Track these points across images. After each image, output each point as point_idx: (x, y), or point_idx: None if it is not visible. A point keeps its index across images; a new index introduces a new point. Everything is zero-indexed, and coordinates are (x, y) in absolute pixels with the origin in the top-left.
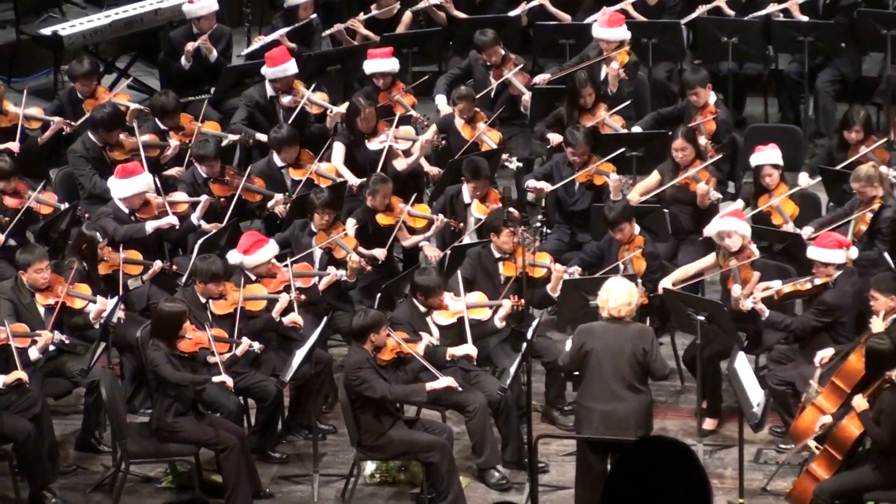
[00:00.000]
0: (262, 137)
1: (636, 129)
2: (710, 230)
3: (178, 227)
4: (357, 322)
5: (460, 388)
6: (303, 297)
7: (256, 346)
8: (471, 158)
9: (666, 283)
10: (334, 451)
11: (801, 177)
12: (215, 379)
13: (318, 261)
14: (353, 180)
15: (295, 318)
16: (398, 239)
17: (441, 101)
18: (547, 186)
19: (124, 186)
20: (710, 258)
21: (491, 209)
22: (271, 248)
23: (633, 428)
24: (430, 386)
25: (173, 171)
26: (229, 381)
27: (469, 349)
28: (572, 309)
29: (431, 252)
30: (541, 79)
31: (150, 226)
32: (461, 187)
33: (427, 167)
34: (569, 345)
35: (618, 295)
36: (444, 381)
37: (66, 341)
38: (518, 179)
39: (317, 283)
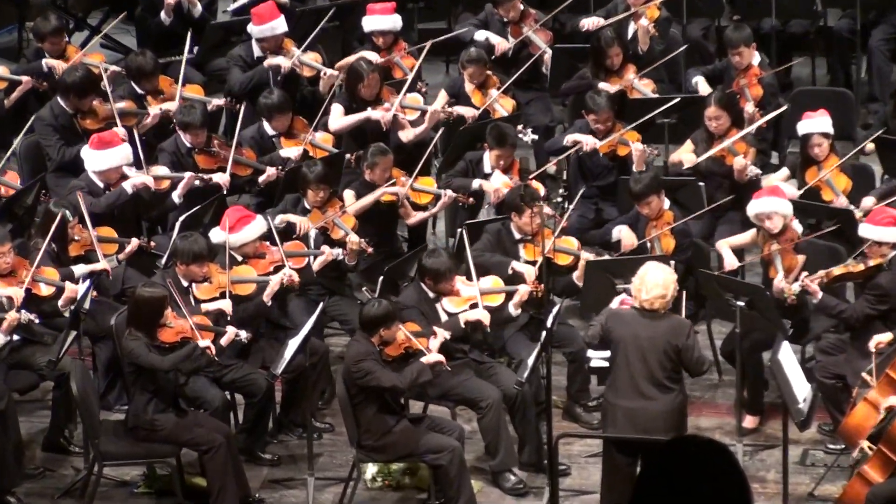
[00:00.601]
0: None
1: (703, 85)
2: (748, 211)
3: (153, 190)
4: (369, 313)
5: (448, 367)
6: (296, 279)
7: (244, 335)
8: (496, 124)
9: (723, 245)
10: (331, 452)
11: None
12: (202, 343)
13: (313, 241)
14: (374, 115)
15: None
16: (401, 216)
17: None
18: (590, 140)
19: (100, 158)
20: (751, 234)
21: (513, 183)
22: (258, 224)
23: (661, 429)
24: (425, 360)
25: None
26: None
27: (482, 314)
28: (598, 294)
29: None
30: (592, 23)
31: (128, 185)
32: (482, 154)
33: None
34: (597, 328)
35: (651, 286)
36: (434, 359)
37: (37, 320)
38: (537, 150)
39: (311, 263)
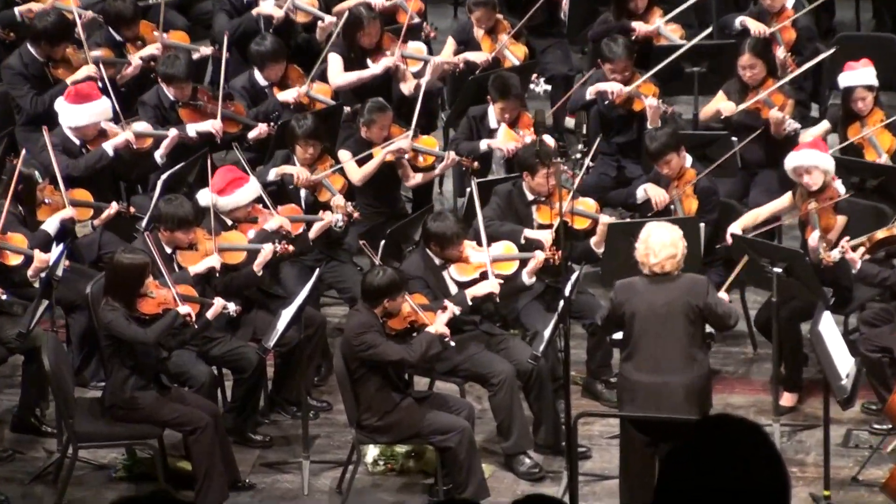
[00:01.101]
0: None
1: (751, 23)
2: (786, 165)
3: (134, 148)
4: (373, 282)
5: (452, 342)
6: (290, 247)
7: (232, 307)
8: (498, 74)
9: (735, 228)
10: (328, 433)
11: None
12: (181, 310)
13: (304, 202)
14: (376, 69)
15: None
16: (401, 177)
17: None
18: (616, 87)
19: (77, 114)
20: (787, 198)
21: (522, 138)
22: (252, 187)
23: (683, 406)
24: (433, 330)
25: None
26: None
27: (491, 286)
28: (619, 259)
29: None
30: None
31: (109, 146)
32: (486, 108)
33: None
34: (608, 303)
35: (658, 247)
36: (440, 328)
37: (3, 297)
38: (553, 101)
39: (306, 229)
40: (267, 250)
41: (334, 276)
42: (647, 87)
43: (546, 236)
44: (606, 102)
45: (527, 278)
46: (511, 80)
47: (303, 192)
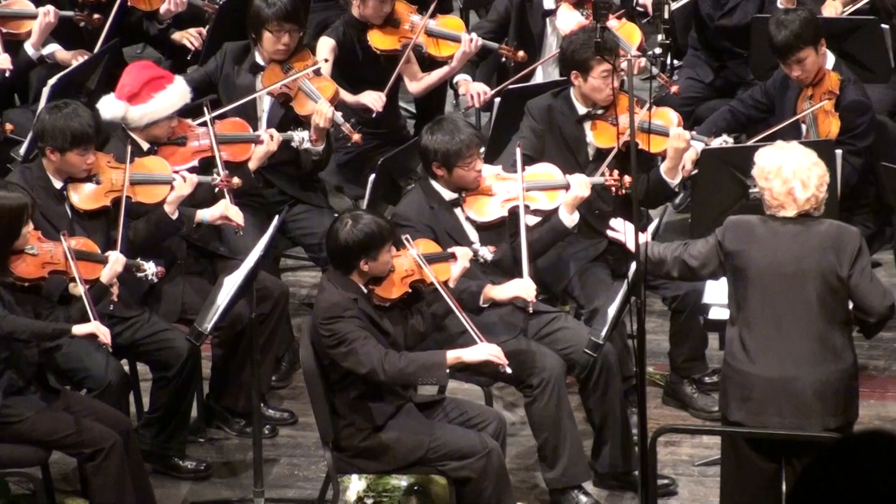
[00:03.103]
0: None
1: None
2: None
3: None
4: (339, 236)
5: (508, 369)
6: (235, 180)
7: (151, 269)
8: None
9: None
10: (292, 459)
11: None
12: (77, 329)
13: (266, 115)
14: None
15: (230, 212)
16: (405, 78)
17: None
18: None
19: None
20: None
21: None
22: (178, 92)
23: (819, 412)
24: (454, 356)
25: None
26: (103, 333)
27: (522, 289)
28: (717, 201)
29: (473, 89)
30: None
31: None
32: None
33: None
34: (703, 245)
35: (805, 174)
36: (484, 350)
37: None
38: None
39: (250, 155)
40: (188, 182)
41: (302, 229)
42: None
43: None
44: None
45: (566, 214)
46: None
47: (266, 101)
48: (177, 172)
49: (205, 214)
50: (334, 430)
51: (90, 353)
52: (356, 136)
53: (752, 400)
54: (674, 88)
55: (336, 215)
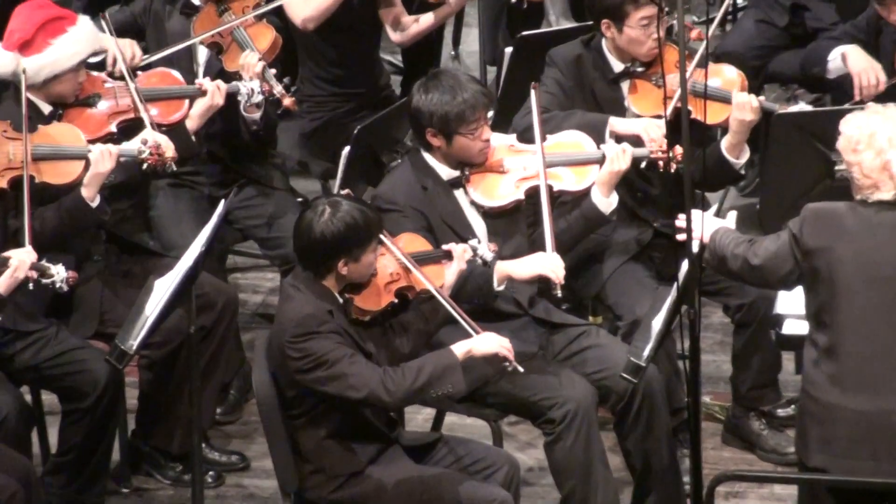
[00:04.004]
0: None
1: None
2: None
3: None
4: (314, 228)
5: (520, 368)
6: (166, 153)
7: (60, 273)
8: None
9: None
10: None
11: None
12: None
13: (203, 68)
14: None
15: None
16: (386, 25)
17: None
18: None
19: None
20: None
21: None
22: (82, 35)
23: None
24: (463, 350)
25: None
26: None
27: (548, 265)
28: (794, 183)
29: None
30: None
31: None
32: None
33: None
34: (772, 242)
35: (892, 137)
36: (494, 340)
37: None
38: None
39: (186, 113)
40: (103, 154)
41: (254, 216)
42: None
43: (651, 126)
44: None
45: (601, 196)
46: None
47: (202, 53)
48: (93, 143)
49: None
50: (299, 479)
51: None
52: (287, 101)
53: (839, 439)
54: (694, 32)
55: (304, 201)
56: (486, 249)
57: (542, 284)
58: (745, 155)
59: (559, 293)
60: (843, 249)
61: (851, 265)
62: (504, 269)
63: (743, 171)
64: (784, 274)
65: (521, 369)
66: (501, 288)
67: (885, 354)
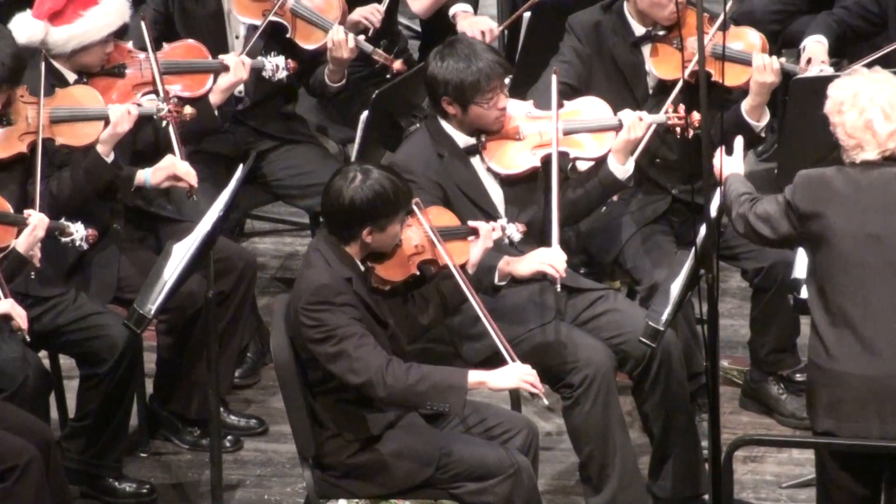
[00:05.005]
0: None
1: None
2: None
3: None
4: (343, 193)
5: (545, 401)
6: (187, 108)
7: (79, 231)
8: None
9: None
10: (261, 478)
11: None
12: None
13: (242, 43)
14: None
15: (179, 169)
16: None
17: None
18: None
19: None
20: None
21: None
22: (113, 7)
23: None
24: (477, 379)
25: None
26: (19, 315)
27: (547, 260)
28: (811, 147)
29: (477, 26)
30: None
31: None
32: None
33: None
34: (771, 204)
35: (873, 96)
36: (514, 374)
37: None
38: None
39: (211, 87)
40: (122, 115)
41: (280, 169)
42: None
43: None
44: None
45: (616, 164)
46: None
47: (242, 29)
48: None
49: (147, 174)
50: (316, 443)
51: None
52: (397, 64)
53: (844, 402)
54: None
55: (338, 167)
56: (515, 230)
57: (543, 280)
58: (766, 118)
59: (559, 288)
60: (834, 212)
61: (843, 227)
62: (506, 268)
63: (763, 134)
64: (783, 235)
65: (545, 402)
66: (503, 284)
67: (882, 315)
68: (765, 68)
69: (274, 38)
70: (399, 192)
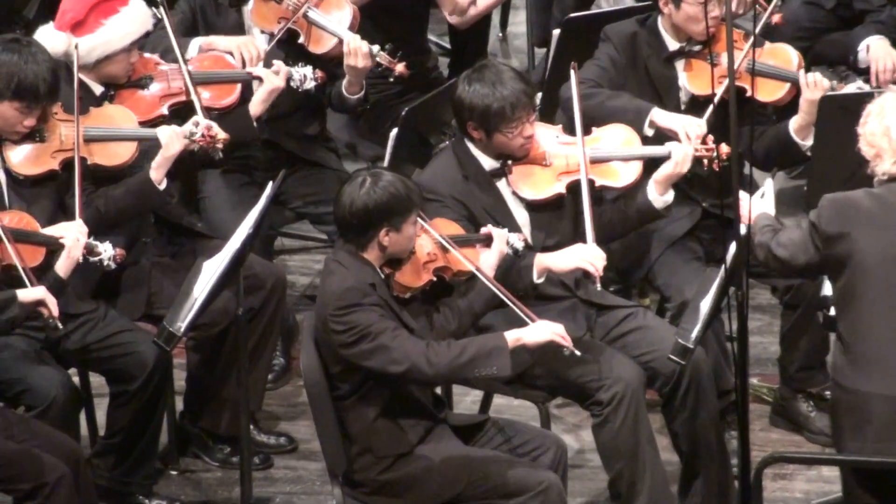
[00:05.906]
0: None
1: None
2: None
3: None
4: (356, 198)
5: (577, 351)
6: (219, 133)
7: (107, 251)
8: None
9: None
10: (291, 495)
11: None
12: (23, 295)
13: (267, 51)
14: None
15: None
16: (442, 5)
17: None
18: None
19: None
20: None
21: None
22: (135, 15)
23: None
24: (514, 337)
25: None
26: (51, 303)
27: (587, 256)
28: (842, 167)
29: None
30: None
31: None
32: None
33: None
34: (794, 231)
35: None
36: (546, 329)
37: None
38: None
39: (238, 98)
40: (171, 137)
41: (307, 194)
42: None
43: (691, 125)
44: None
45: (656, 194)
46: None
47: (261, 39)
48: (144, 125)
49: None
50: (346, 460)
51: (30, 361)
52: (400, 67)
53: (870, 425)
54: (776, 17)
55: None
56: (517, 239)
57: (582, 277)
58: (811, 137)
59: (598, 286)
60: (860, 233)
61: (869, 247)
62: (544, 261)
63: (809, 154)
64: (806, 262)
65: (578, 353)
66: (541, 280)
67: None
68: (815, 85)
69: (293, 48)
70: (410, 190)
